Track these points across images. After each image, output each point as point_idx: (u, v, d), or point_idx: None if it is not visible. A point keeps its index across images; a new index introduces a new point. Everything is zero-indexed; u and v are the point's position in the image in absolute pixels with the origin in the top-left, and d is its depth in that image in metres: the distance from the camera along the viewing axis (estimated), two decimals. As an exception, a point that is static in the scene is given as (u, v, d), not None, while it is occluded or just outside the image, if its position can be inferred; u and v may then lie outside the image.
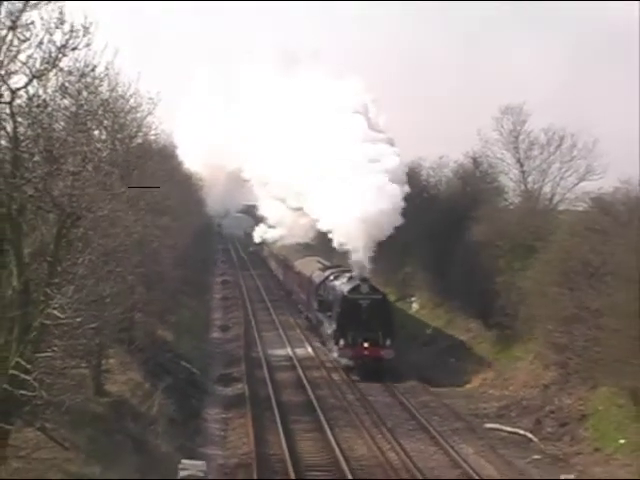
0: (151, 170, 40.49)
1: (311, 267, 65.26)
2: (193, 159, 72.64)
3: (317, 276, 59.98)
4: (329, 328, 51.17)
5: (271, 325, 65.02)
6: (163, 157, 54.46)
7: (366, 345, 47.37)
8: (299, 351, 55.21)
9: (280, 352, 55.18)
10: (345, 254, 54.70)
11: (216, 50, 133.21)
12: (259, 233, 79.42)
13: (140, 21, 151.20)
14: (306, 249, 75.95)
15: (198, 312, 65.51)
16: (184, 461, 26.74)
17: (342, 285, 51.53)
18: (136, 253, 31.98)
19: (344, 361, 48.38)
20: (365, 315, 48.40)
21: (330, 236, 53.51)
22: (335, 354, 49.25)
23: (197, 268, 75.83)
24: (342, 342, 47.93)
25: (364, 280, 49.80)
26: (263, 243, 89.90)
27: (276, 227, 72.20)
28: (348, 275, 52.52)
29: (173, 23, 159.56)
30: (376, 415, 39.78)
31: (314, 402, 41.81)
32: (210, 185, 79.70)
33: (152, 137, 47.05)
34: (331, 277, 55.81)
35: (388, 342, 47.55)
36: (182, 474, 24.95)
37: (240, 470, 31.88)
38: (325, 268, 61.27)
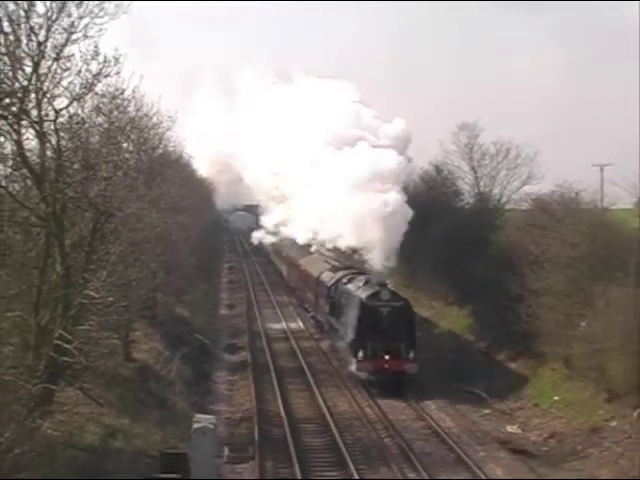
0: (170, 176, 40.58)
1: (318, 266, 53.60)
2: (200, 161, 67.75)
3: (327, 277, 48.36)
4: (345, 337, 39.84)
5: (269, 304, 64.67)
6: (180, 165, 54.44)
7: (387, 358, 36.73)
8: (292, 325, 54.90)
9: (276, 326, 54.81)
10: (343, 254, 49.99)
11: (218, 60, 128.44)
12: (257, 237, 69.48)
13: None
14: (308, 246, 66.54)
15: (209, 293, 65.35)
16: (197, 415, 26.75)
17: (359, 290, 40.05)
18: (158, 244, 31.97)
19: (363, 375, 37.31)
20: (386, 324, 37.43)
21: (332, 240, 45.48)
22: (353, 367, 37.80)
23: (208, 256, 75.63)
24: (361, 354, 36.91)
25: (383, 285, 39.25)
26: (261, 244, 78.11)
27: (274, 233, 62.48)
28: (363, 278, 41.50)
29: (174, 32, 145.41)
30: (356, 377, 39.81)
31: (304, 367, 41.74)
32: (217, 184, 75.20)
33: (171, 149, 47.25)
34: (344, 280, 44.15)
35: (411, 355, 36.80)
36: (196, 426, 25.00)
37: (244, 423, 32.01)
38: (335, 269, 49.55)
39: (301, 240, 53.89)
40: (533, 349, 39.08)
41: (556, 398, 34.32)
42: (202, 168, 69.36)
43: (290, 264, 68.76)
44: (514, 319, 39.77)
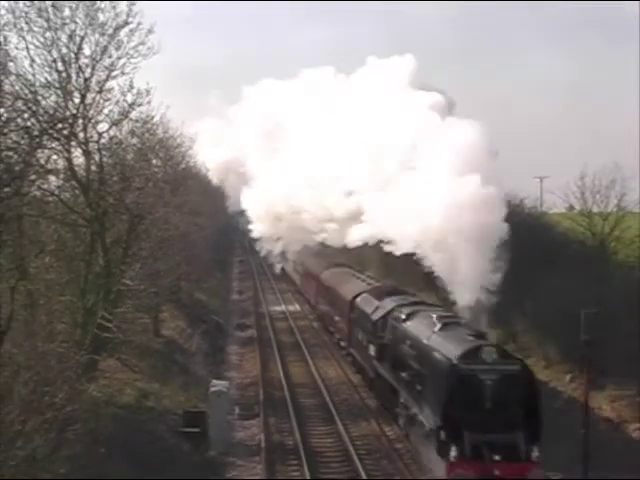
0: (191, 186, 40.67)
1: (350, 285, 36.84)
2: (211, 169, 61.68)
3: (369, 305, 30.48)
4: (422, 418, 20.84)
5: (271, 290, 64.61)
6: (199, 177, 54.51)
7: (497, 458, 18.66)
8: (290, 308, 54.85)
9: (277, 308, 54.70)
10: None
11: (223, 74, 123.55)
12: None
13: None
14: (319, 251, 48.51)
15: (222, 281, 65.30)
16: (214, 381, 26.87)
17: (438, 340, 21.34)
18: (181, 241, 32.09)
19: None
20: (492, 402, 19.28)
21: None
22: (441, 472, 19.25)
23: (222, 251, 75.45)
24: (454, 452, 18.76)
25: (481, 336, 20.49)
26: None
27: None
28: (435, 317, 22.81)
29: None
30: (345, 351, 39.72)
31: (300, 341, 41.79)
32: (224, 187, 67.73)
33: (192, 164, 47.23)
34: (401, 314, 25.53)
35: (535, 452, 18.90)
36: (212, 389, 25.15)
37: (251, 387, 32.11)
38: (377, 292, 31.67)
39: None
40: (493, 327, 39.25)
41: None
42: (213, 173, 63.69)
43: (306, 273, 51.69)
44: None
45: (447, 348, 20.42)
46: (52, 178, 20.63)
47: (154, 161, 28.12)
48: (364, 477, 21.60)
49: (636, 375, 27.25)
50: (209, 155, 60.66)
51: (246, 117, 51.44)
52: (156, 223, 24.44)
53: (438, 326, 22.01)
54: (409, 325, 24.47)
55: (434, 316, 23.03)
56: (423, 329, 22.91)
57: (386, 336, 26.65)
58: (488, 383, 19.30)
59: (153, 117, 25.58)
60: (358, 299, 33.17)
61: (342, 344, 36.74)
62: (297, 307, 55.30)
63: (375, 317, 28.48)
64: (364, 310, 30.85)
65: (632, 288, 29.79)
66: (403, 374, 23.23)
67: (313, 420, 27.49)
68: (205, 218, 44.49)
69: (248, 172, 50.90)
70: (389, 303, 28.28)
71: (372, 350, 28.14)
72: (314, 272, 48.06)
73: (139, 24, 20.24)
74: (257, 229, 46.92)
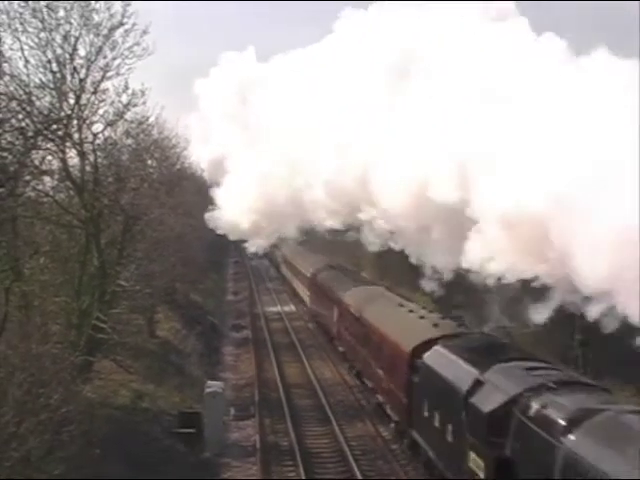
0: (186, 187, 40.68)
1: (401, 322, 24.94)
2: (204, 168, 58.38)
3: (455, 371, 17.33)
4: None
5: (267, 291, 64.65)
6: (194, 178, 54.42)
7: None
8: (286, 308, 54.82)
9: (273, 309, 54.66)
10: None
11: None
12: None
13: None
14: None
15: (218, 282, 65.30)
16: (209, 382, 26.86)
17: None
18: (176, 242, 32.10)
19: None
20: None
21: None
22: None
23: (217, 252, 75.46)
24: None
25: None
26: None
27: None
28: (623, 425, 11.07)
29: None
30: (340, 352, 39.74)
31: (296, 342, 41.77)
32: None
33: (187, 165, 47.20)
34: (554, 417, 12.60)
35: None
36: (208, 390, 25.14)
37: (246, 387, 32.09)
38: (470, 348, 18.19)
39: None
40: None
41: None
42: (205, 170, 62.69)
43: (317, 289, 42.73)
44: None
45: None
46: (47, 179, 20.70)
47: (149, 162, 28.12)
48: (359, 477, 21.68)
49: (632, 376, 27.31)
50: (200, 153, 59.42)
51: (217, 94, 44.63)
52: (151, 224, 24.45)
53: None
54: (583, 447, 11.84)
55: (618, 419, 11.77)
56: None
57: (510, 445, 14.30)
58: None
59: (148, 118, 25.49)
60: (427, 355, 20.00)
61: (393, 417, 24.10)
62: (292, 308, 55.29)
63: (485, 407, 15.17)
64: (446, 379, 17.75)
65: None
66: None
67: (308, 421, 27.48)
68: (200, 219, 44.42)
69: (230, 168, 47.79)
70: (507, 381, 15.41)
71: (477, 465, 15.36)
72: (331, 290, 37.08)
73: (134, 25, 20.26)
74: (252, 245, 44.49)
